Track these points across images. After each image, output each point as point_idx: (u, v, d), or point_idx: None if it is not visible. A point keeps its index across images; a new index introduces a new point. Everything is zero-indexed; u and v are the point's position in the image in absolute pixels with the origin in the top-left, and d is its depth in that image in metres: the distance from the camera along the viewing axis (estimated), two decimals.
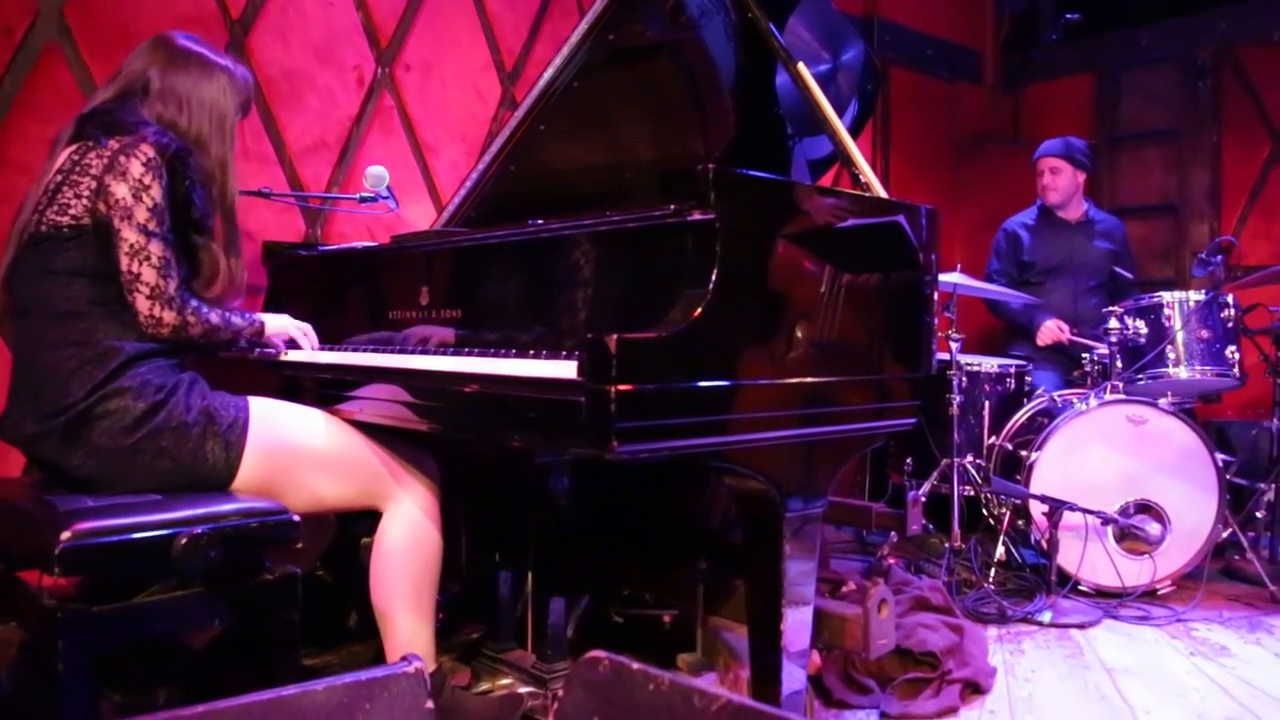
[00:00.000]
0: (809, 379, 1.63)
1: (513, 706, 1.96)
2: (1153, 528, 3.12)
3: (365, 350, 2.05)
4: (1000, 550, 3.27)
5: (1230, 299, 3.32)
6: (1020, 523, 3.30)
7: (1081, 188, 4.06)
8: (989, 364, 3.57)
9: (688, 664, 2.15)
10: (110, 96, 1.84)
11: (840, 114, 2.11)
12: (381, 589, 1.84)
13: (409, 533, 1.84)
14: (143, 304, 1.70)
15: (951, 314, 3.31)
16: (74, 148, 1.77)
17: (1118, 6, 4.82)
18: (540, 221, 1.87)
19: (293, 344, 2.07)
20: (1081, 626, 2.84)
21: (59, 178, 1.74)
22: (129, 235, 1.69)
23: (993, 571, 3.18)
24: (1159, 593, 3.14)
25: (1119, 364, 3.32)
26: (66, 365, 1.67)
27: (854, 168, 1.98)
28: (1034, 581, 3.16)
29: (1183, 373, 3.29)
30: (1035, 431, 3.28)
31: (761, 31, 2.10)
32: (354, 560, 2.26)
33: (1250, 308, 3.44)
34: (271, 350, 2.04)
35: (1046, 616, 2.88)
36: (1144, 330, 3.32)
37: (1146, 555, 3.11)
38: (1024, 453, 3.23)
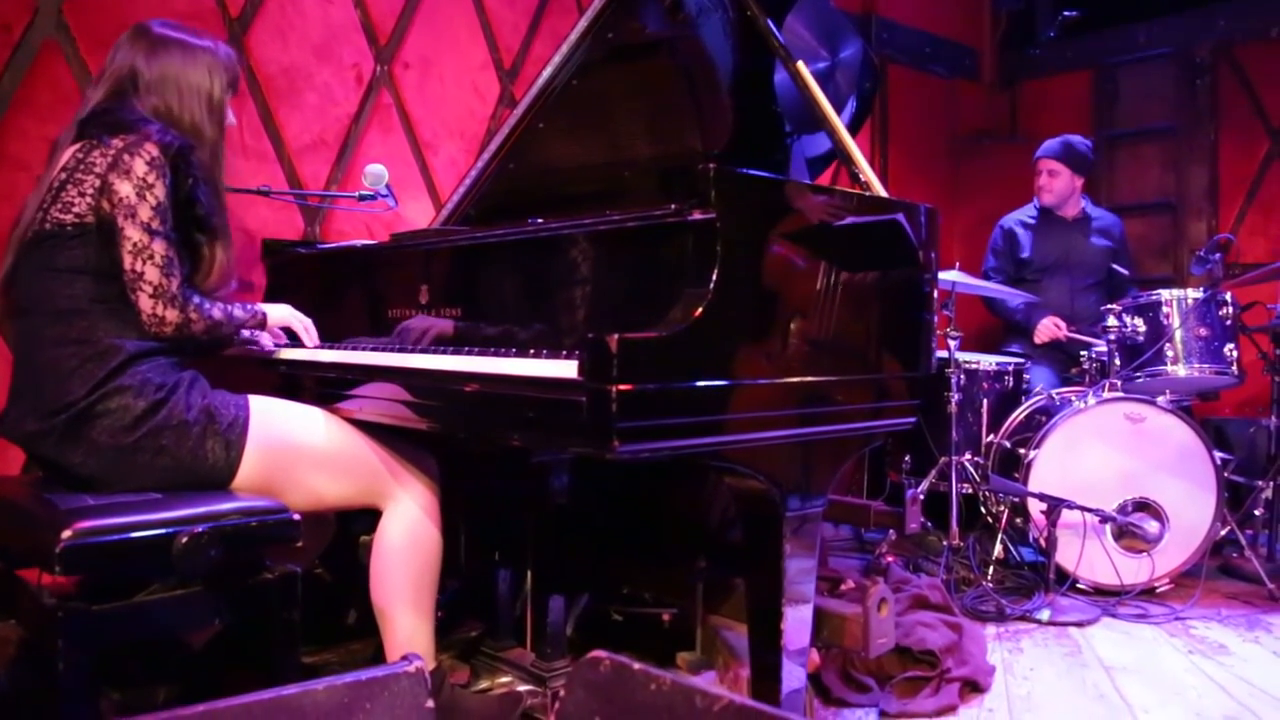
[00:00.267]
0: (809, 378, 1.63)
1: (512, 705, 1.97)
2: (1151, 526, 3.12)
3: (365, 349, 2.05)
4: (999, 548, 3.27)
5: (1228, 296, 3.32)
6: (1019, 521, 3.30)
7: (1079, 189, 4.05)
8: (987, 362, 3.57)
9: (687, 662, 2.15)
10: (104, 96, 1.83)
11: (839, 112, 2.11)
12: (381, 587, 1.84)
13: (409, 531, 1.84)
14: (146, 303, 1.70)
15: (950, 312, 3.31)
16: (78, 146, 1.77)
17: (1115, 3, 4.81)
18: (539, 220, 1.87)
19: (293, 336, 2.07)
20: (1080, 625, 2.85)
21: (63, 175, 1.74)
22: (132, 234, 1.69)
23: (991, 570, 3.19)
24: (1157, 591, 3.15)
25: (1117, 362, 3.32)
26: (67, 363, 1.67)
27: (853, 166, 1.98)
28: (1032, 580, 3.16)
29: (1181, 370, 3.29)
30: (1033, 429, 3.28)
31: (760, 29, 2.10)
32: (353, 559, 2.26)
33: (1248, 305, 3.44)
34: (268, 344, 2.04)
35: (1045, 615, 2.88)
36: (1142, 328, 3.33)
37: (1145, 553, 3.11)
38: (1022, 451, 3.23)
